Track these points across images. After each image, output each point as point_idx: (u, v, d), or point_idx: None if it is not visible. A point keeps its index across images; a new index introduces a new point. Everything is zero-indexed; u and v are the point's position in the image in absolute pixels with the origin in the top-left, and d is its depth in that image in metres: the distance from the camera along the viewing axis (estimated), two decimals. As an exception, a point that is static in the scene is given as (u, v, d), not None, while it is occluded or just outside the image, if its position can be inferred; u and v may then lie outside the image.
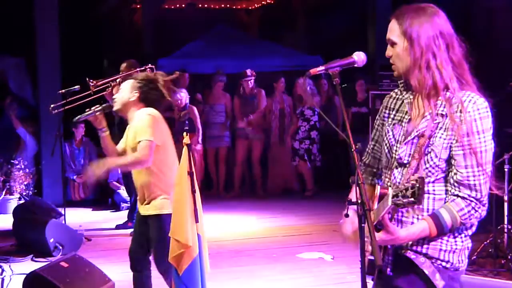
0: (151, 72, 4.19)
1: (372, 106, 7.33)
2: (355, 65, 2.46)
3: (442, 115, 2.33)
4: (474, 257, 5.54)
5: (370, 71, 9.03)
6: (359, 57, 2.46)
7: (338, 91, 2.40)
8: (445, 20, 2.37)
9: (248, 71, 9.38)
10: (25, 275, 4.75)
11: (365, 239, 2.22)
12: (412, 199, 2.10)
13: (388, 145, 2.48)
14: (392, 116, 2.52)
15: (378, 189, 2.41)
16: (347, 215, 2.34)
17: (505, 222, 5.56)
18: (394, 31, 2.38)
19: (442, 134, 2.32)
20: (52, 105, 6.92)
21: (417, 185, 2.09)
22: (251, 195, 9.53)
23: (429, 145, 2.33)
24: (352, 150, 2.27)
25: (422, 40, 2.31)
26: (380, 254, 2.10)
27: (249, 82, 9.31)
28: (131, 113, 4.24)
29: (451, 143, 2.31)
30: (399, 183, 2.38)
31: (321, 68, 2.45)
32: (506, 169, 5.56)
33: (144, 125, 4.07)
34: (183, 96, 8.95)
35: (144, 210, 4.21)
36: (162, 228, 4.10)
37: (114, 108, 4.31)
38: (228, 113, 9.49)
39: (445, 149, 2.32)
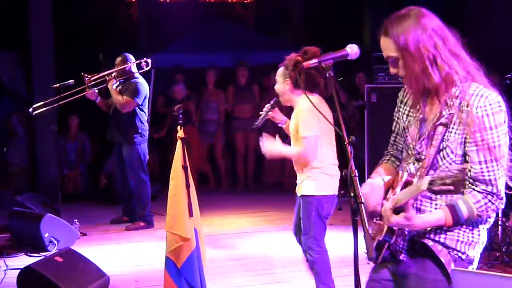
0: (300, 56, 4.17)
1: (368, 99, 7.31)
2: (348, 58, 2.46)
3: (454, 109, 2.32)
4: (469, 250, 5.55)
5: (365, 65, 9.01)
6: (352, 49, 2.45)
7: (332, 84, 2.40)
8: (431, 16, 2.35)
9: (240, 62, 9.41)
10: (19, 270, 4.74)
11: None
12: (452, 187, 2.07)
13: (406, 142, 2.50)
14: (406, 112, 2.53)
15: (405, 176, 2.41)
16: (340, 209, 2.34)
17: (500, 215, 5.56)
18: (387, 48, 2.36)
19: (457, 129, 2.32)
20: (47, 101, 6.90)
21: (460, 175, 2.06)
22: (245, 189, 9.51)
23: (444, 140, 2.33)
24: (345, 143, 2.27)
25: (417, 45, 2.29)
26: (372, 246, 2.10)
27: (244, 71, 9.30)
28: (294, 100, 4.29)
29: (465, 138, 2.30)
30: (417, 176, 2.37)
31: (314, 61, 2.45)
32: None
33: (302, 119, 4.14)
34: (181, 89, 8.94)
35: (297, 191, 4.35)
36: (305, 209, 4.24)
37: (281, 101, 4.35)
38: (221, 110, 9.46)
39: (460, 145, 2.32)
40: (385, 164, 2.68)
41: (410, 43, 2.29)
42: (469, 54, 2.38)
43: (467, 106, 2.27)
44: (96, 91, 6.90)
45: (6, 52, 9.41)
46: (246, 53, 10.51)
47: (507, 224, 5.49)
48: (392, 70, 2.39)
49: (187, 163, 4.01)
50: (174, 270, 3.99)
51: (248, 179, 9.63)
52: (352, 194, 2.18)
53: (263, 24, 13.34)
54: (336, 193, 4.26)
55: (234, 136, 9.56)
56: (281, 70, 4.28)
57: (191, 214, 3.97)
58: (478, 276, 2.06)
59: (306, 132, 4.12)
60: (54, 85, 6.86)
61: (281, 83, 4.27)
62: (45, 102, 6.82)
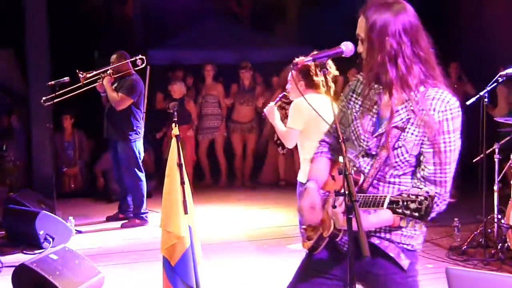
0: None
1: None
2: (343, 55, 2.45)
3: (413, 111, 2.34)
4: (465, 247, 5.57)
5: (359, 62, 9.00)
6: (346, 47, 2.45)
7: (327, 81, 2.41)
8: (412, 16, 2.35)
9: (244, 63, 9.38)
10: (14, 267, 4.73)
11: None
12: (417, 214, 2.09)
13: (355, 133, 2.49)
14: (360, 102, 2.51)
15: (352, 173, 2.38)
16: (334, 207, 2.34)
17: (495, 212, 5.57)
18: (360, 26, 2.38)
19: (414, 130, 2.35)
20: (43, 98, 6.89)
21: (427, 203, 2.07)
22: (242, 187, 9.51)
23: (400, 139, 2.35)
24: (340, 140, 2.27)
25: (383, 38, 2.30)
26: (366, 244, 2.10)
27: (247, 73, 9.28)
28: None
29: (423, 140, 2.34)
30: (367, 172, 2.41)
31: (309, 58, 2.45)
32: (496, 159, 5.57)
33: (291, 112, 4.59)
34: (178, 88, 8.91)
35: None
36: (298, 194, 4.59)
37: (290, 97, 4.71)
38: (221, 104, 9.44)
39: (416, 146, 2.36)
40: (321, 158, 2.68)
41: (376, 32, 2.31)
42: (439, 64, 2.39)
43: (431, 110, 2.30)
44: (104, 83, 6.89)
45: (1, 49, 9.37)
46: (243, 51, 10.49)
47: (502, 221, 5.49)
48: (359, 49, 2.42)
49: (182, 161, 4.01)
50: (168, 268, 3.99)
51: (245, 178, 9.63)
52: (346, 192, 2.17)
53: (258, 21, 13.33)
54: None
55: (231, 138, 9.55)
56: (293, 73, 4.62)
57: (185, 212, 3.97)
58: (473, 274, 2.07)
59: (289, 124, 4.59)
60: (49, 82, 6.85)
61: (295, 84, 4.57)
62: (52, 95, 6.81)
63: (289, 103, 4.72)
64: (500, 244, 5.41)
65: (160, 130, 9.18)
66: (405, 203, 2.11)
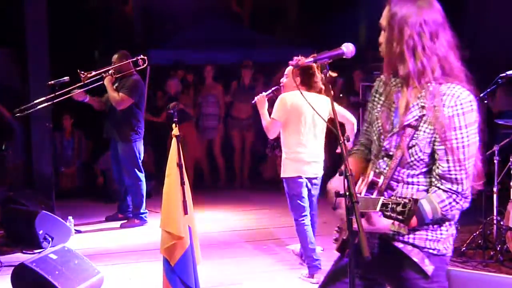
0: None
1: (363, 97, 7.32)
2: (344, 56, 2.45)
3: (424, 107, 2.32)
4: (464, 248, 5.56)
5: (361, 63, 9.02)
6: (347, 48, 2.45)
7: (327, 82, 2.41)
8: (436, 12, 2.34)
9: (246, 62, 9.41)
10: (14, 267, 4.72)
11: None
12: (400, 217, 2.10)
13: (377, 133, 2.49)
14: (381, 102, 2.52)
15: (371, 175, 2.42)
16: (334, 208, 2.34)
17: (494, 213, 5.57)
18: (384, 16, 2.38)
19: (426, 128, 2.32)
20: (43, 98, 6.88)
21: (409, 206, 2.08)
22: (241, 187, 9.51)
23: (414, 138, 2.33)
24: (340, 141, 2.27)
25: (405, 25, 2.29)
26: (367, 245, 2.10)
27: (248, 71, 9.30)
28: None
29: (434, 137, 2.31)
30: (385, 173, 2.39)
31: (310, 59, 2.45)
32: (495, 161, 5.57)
33: (276, 104, 5.02)
34: (175, 84, 8.90)
35: None
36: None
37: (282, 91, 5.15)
38: (221, 104, 9.45)
39: (429, 144, 2.33)
40: (354, 155, 2.68)
41: (397, 20, 2.30)
42: (459, 58, 2.37)
43: (441, 106, 2.27)
44: (83, 90, 6.89)
45: (1, 48, 9.35)
46: (243, 51, 10.50)
47: (501, 223, 5.50)
48: (380, 39, 2.41)
49: (182, 161, 4.00)
50: (168, 268, 3.98)
51: (244, 176, 9.63)
52: (347, 193, 2.17)
53: (258, 21, 13.33)
54: (302, 175, 5.07)
55: (231, 134, 9.56)
56: (292, 69, 5.02)
57: (185, 212, 3.96)
58: (474, 276, 2.07)
59: (274, 115, 5.01)
60: (49, 82, 6.84)
61: (291, 79, 4.98)
62: (45, 98, 6.80)
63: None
64: (499, 246, 5.41)
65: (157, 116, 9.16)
66: (393, 206, 2.11)
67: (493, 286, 2.02)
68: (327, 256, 5.77)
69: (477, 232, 5.63)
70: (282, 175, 5.16)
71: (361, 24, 10.95)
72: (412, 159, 2.35)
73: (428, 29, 2.29)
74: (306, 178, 5.10)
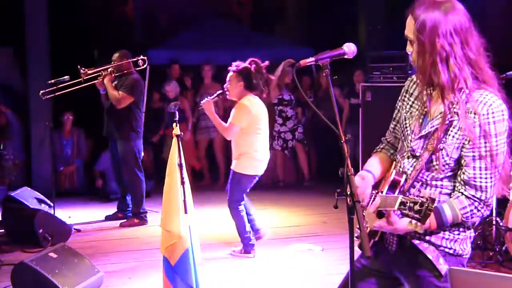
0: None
1: (363, 98, 7.33)
2: (345, 56, 2.46)
3: (456, 113, 2.31)
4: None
5: (361, 63, 9.04)
6: (349, 48, 2.45)
7: (329, 82, 2.41)
8: (462, 15, 2.31)
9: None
10: (14, 266, 4.73)
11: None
12: (417, 216, 2.11)
13: (404, 133, 2.50)
14: (410, 103, 2.53)
15: (393, 174, 2.45)
16: (336, 207, 2.35)
17: (494, 214, 5.58)
18: (409, 27, 2.36)
19: (456, 133, 2.32)
20: (41, 91, 6.89)
21: (426, 205, 2.08)
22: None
23: (442, 142, 2.33)
24: (342, 141, 2.28)
25: (433, 39, 2.27)
26: (369, 245, 2.12)
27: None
28: (238, 98, 5.59)
29: (463, 143, 2.31)
30: (408, 173, 2.41)
31: (311, 59, 2.45)
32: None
33: (237, 110, 5.46)
34: (173, 87, 8.91)
35: None
36: (231, 180, 5.60)
37: (228, 95, 5.61)
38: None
39: (457, 149, 2.33)
40: (379, 153, 2.70)
41: (427, 33, 2.28)
42: (488, 61, 2.36)
43: (473, 113, 2.26)
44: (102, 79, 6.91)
45: (1, 48, 9.36)
46: (243, 51, 10.48)
47: (500, 224, 5.50)
48: (408, 49, 2.39)
49: (182, 161, 4.01)
50: (168, 268, 3.99)
51: None
52: (348, 193, 2.18)
53: (258, 21, 13.34)
54: (257, 173, 5.57)
55: None
56: (233, 74, 5.54)
57: (185, 211, 3.97)
58: (475, 275, 2.07)
59: (234, 121, 5.42)
60: (49, 81, 6.85)
61: (235, 84, 5.51)
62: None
63: (225, 100, 5.66)
64: (498, 247, 5.42)
65: (156, 133, 9.17)
66: (411, 205, 2.12)
67: (497, 285, 2.02)
68: (327, 256, 5.79)
69: (476, 233, 5.63)
70: (238, 170, 5.54)
71: (361, 24, 10.94)
72: (438, 162, 2.35)
73: (458, 37, 2.28)
74: (256, 175, 5.62)
